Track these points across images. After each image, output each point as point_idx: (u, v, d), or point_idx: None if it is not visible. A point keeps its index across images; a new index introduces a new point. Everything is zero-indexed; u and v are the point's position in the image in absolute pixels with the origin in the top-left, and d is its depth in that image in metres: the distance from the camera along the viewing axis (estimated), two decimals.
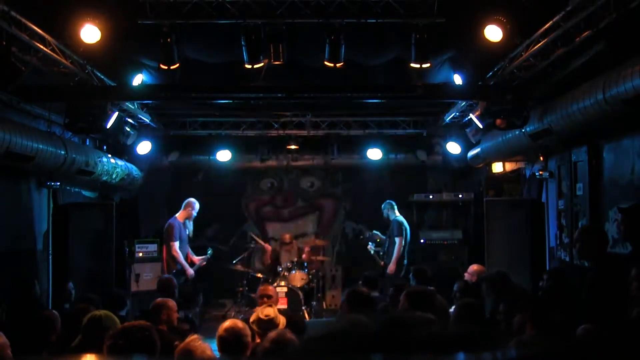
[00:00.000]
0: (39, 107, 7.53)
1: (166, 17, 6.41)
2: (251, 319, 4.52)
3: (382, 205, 9.49)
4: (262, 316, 4.48)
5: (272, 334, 3.49)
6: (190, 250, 8.65)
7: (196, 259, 8.62)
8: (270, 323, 4.41)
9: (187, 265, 8.23)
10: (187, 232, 8.61)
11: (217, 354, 3.60)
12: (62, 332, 4.65)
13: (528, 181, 9.51)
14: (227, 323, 3.82)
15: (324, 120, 10.72)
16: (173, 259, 8.18)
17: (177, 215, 8.55)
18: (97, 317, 4.07)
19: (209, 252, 9.01)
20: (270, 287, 6.02)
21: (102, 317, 4.07)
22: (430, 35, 6.40)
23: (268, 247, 10.50)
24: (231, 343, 3.64)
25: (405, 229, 9.18)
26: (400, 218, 9.27)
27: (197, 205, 8.65)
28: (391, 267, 8.93)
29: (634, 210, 5.09)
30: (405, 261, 9.10)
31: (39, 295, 6.45)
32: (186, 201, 8.68)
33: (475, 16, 6.26)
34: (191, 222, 8.69)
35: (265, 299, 5.49)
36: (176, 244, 8.18)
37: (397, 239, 9.00)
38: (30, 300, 6.02)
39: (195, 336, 3.52)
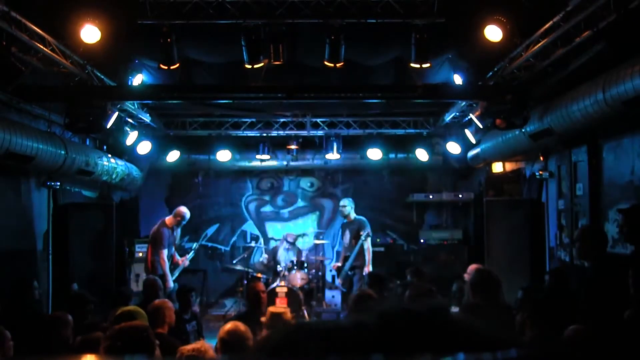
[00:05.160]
0: (39, 107, 7.53)
1: (166, 17, 6.41)
2: (265, 318, 4.65)
3: (345, 202, 9.51)
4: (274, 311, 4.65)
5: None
6: (175, 253, 8.65)
7: (180, 259, 8.61)
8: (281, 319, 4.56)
9: (169, 276, 8.15)
10: (175, 236, 8.59)
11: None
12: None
13: (528, 181, 9.51)
14: (228, 325, 3.83)
15: (324, 120, 10.72)
16: (157, 262, 8.16)
17: (166, 220, 8.47)
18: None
19: (194, 246, 9.00)
20: (261, 283, 6.16)
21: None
22: (430, 35, 6.39)
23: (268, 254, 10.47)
24: (233, 345, 3.64)
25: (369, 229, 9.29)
26: (362, 217, 9.38)
27: (187, 215, 8.54)
28: (368, 268, 8.94)
29: (634, 211, 5.08)
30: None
31: (37, 296, 6.44)
32: (177, 209, 8.59)
33: (475, 16, 6.26)
34: (179, 229, 8.67)
35: (262, 293, 5.68)
36: (164, 252, 8.14)
37: (369, 239, 9.09)
38: (30, 300, 6.02)
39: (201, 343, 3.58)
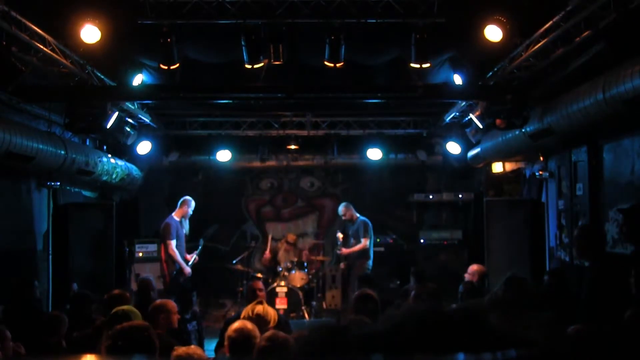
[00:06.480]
0: (39, 107, 7.53)
1: (166, 17, 6.41)
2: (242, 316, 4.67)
3: (344, 207, 9.66)
4: (252, 314, 4.64)
5: (267, 333, 3.54)
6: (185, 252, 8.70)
7: (189, 256, 8.68)
8: (262, 320, 4.56)
9: (184, 264, 8.31)
10: (184, 231, 8.64)
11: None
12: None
13: (528, 181, 9.51)
14: (236, 324, 3.91)
15: (324, 120, 10.72)
16: (170, 258, 8.22)
17: (173, 214, 8.61)
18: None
19: (200, 242, 9.05)
20: (260, 282, 6.27)
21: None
22: (430, 35, 6.39)
23: (267, 254, 10.52)
24: (240, 344, 3.70)
25: (372, 230, 9.41)
26: (366, 218, 9.47)
27: (192, 203, 8.70)
28: (344, 250, 9.35)
29: (634, 211, 5.09)
30: (371, 262, 9.27)
31: (38, 295, 6.45)
32: (182, 199, 8.75)
33: (475, 16, 6.26)
34: (187, 221, 8.72)
35: (258, 292, 5.77)
36: (173, 243, 8.23)
37: (363, 240, 9.24)
38: (31, 300, 6.02)
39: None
